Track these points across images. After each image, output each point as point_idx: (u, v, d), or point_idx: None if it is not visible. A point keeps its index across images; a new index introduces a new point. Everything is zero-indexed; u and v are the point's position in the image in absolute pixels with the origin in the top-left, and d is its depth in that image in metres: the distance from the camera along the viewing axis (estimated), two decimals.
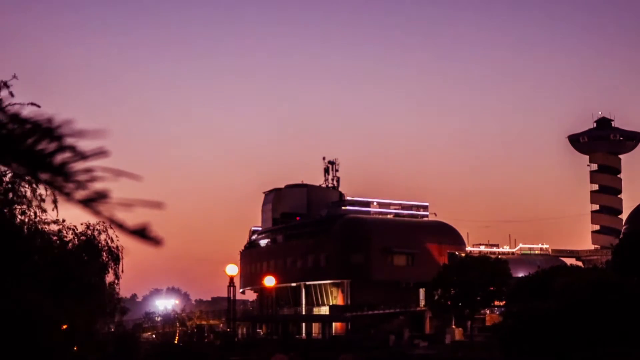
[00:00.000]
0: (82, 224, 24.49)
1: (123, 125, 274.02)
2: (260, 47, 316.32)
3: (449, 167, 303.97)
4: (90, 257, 24.71)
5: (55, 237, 22.82)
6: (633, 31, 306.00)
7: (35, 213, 19.78)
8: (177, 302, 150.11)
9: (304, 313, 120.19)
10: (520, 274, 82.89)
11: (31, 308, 15.78)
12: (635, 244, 61.56)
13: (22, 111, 3.59)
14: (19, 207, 18.00)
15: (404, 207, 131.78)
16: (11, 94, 10.15)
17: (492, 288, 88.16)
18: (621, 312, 47.11)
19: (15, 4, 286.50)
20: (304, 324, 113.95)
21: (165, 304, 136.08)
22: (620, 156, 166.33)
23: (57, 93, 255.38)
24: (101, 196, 3.49)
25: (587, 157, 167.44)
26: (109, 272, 26.59)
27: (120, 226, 3.53)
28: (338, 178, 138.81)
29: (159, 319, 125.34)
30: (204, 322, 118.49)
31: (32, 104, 10.99)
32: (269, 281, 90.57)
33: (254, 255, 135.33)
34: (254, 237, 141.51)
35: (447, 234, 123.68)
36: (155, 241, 3.59)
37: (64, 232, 23.64)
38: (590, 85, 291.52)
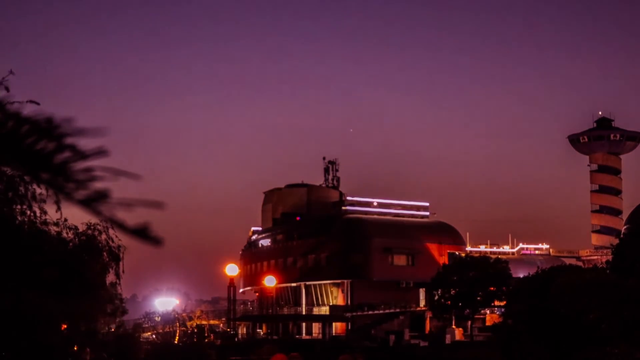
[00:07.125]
0: (82, 224, 24.42)
1: (123, 124, 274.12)
2: (260, 47, 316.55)
3: (448, 167, 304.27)
4: (90, 257, 24.62)
5: (55, 237, 22.75)
6: (633, 32, 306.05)
7: (35, 213, 19.72)
8: (177, 302, 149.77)
9: (304, 313, 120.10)
10: (520, 274, 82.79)
11: (31, 308, 15.75)
12: (635, 244, 61.49)
13: (22, 110, 3.57)
14: (19, 206, 17.94)
15: (404, 207, 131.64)
16: (7, 89, 10.03)
17: (492, 288, 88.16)
18: (621, 312, 47.06)
19: (16, 5, 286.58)
20: (304, 324, 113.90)
21: (165, 304, 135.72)
22: (620, 156, 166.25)
23: (57, 93, 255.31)
24: (101, 196, 3.47)
25: (587, 157, 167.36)
26: (109, 272, 26.53)
27: (121, 226, 3.52)
28: (338, 178, 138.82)
29: (159, 319, 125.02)
30: (204, 322, 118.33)
31: (31, 101, 10.90)
32: (269, 281, 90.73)
33: (254, 255, 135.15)
34: (254, 237, 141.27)
35: (447, 234, 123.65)
36: (155, 241, 3.58)
37: (65, 231, 23.56)
38: (590, 85, 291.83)
